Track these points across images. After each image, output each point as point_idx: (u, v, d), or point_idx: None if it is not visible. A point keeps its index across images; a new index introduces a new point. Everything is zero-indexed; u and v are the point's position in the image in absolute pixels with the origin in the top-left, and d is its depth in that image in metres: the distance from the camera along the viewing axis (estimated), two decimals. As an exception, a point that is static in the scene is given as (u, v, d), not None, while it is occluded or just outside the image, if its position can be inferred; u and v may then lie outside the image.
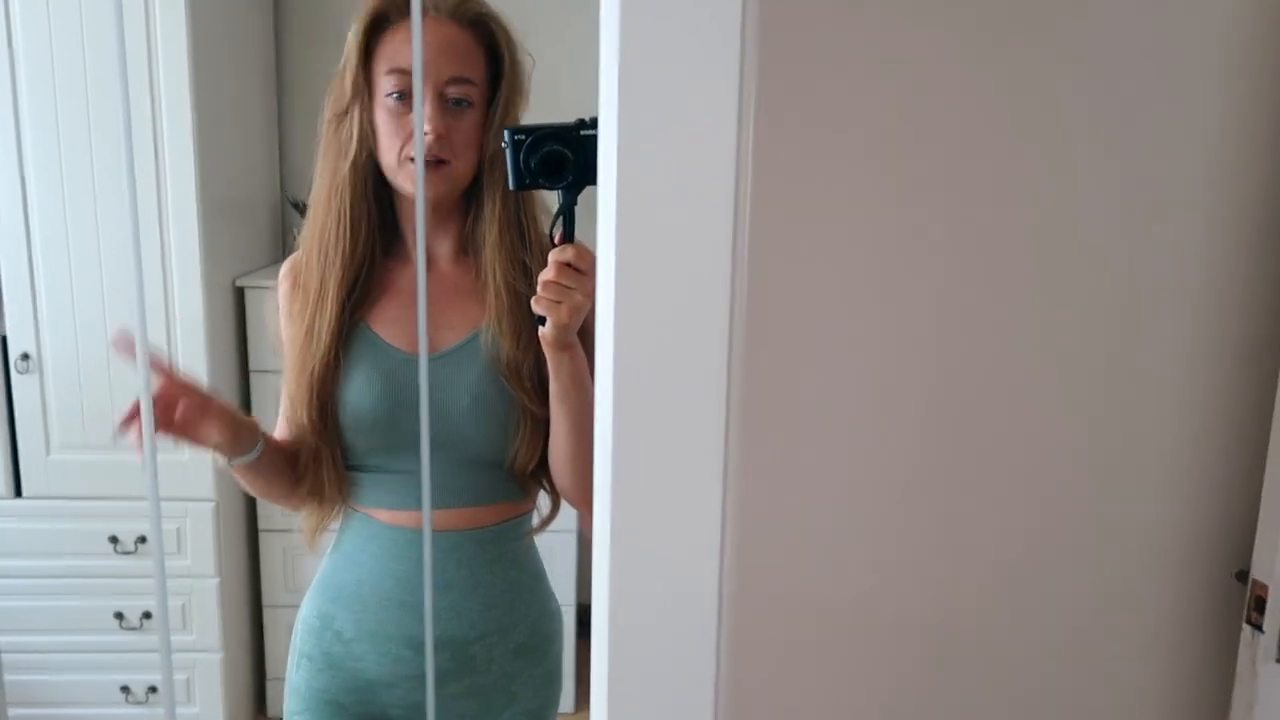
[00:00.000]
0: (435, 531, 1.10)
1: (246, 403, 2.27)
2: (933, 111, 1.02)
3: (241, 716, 2.35)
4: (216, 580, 2.19)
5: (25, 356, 2.06)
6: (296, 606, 2.35)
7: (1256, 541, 1.13)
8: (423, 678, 1.11)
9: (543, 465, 1.10)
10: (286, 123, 2.52)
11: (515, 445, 1.08)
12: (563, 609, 1.95)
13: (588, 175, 0.95)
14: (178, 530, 2.16)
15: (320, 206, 1.09)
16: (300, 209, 2.48)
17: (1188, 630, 1.24)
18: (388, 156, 1.06)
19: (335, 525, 1.17)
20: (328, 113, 1.08)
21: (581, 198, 0.97)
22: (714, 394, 0.62)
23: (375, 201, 1.09)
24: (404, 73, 1.03)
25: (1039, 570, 1.19)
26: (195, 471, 2.12)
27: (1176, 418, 1.17)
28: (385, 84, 1.04)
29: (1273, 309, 1.14)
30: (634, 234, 0.58)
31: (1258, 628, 1.13)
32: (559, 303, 0.94)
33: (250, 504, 2.33)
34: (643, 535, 0.64)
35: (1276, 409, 1.10)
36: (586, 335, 1.04)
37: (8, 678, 2.05)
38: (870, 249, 1.11)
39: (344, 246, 1.07)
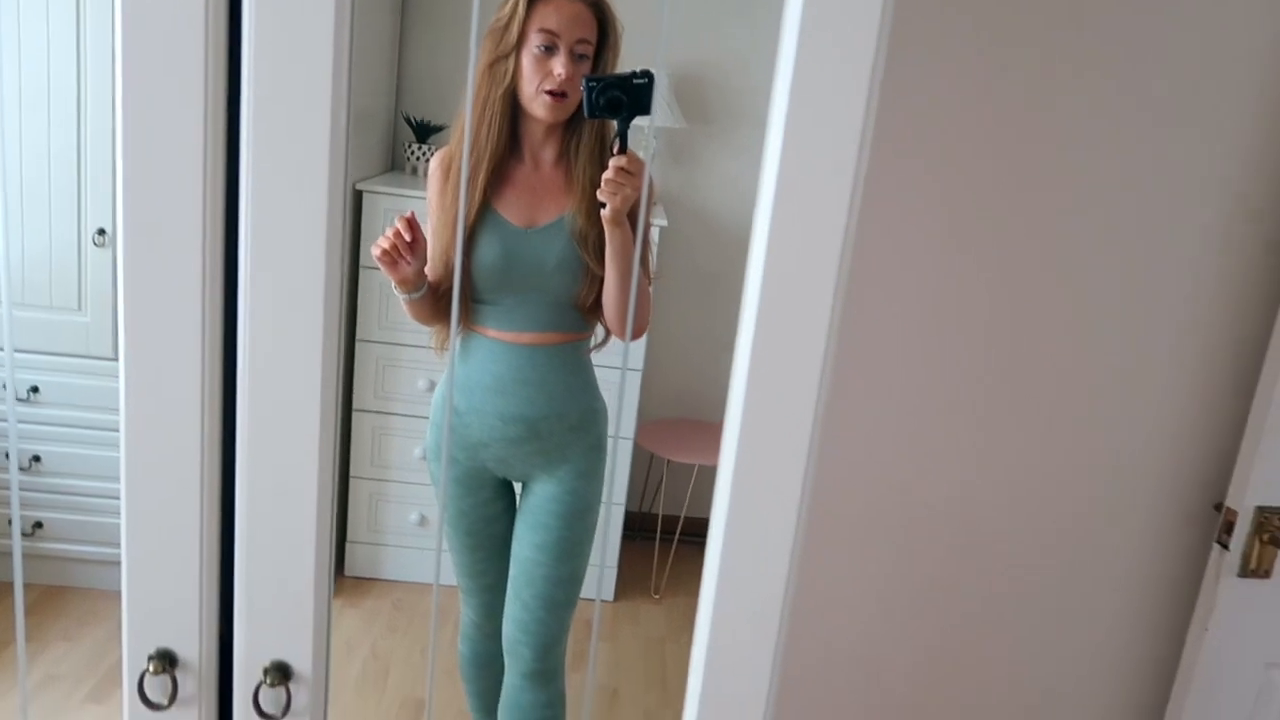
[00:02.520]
0: (519, 345, 1.61)
1: (354, 294, 2.54)
2: (989, 154, 1.25)
3: (325, 571, 2.66)
4: (316, 448, 2.47)
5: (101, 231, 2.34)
6: (380, 480, 2.66)
7: (1233, 476, 1.36)
8: (507, 440, 1.65)
9: (596, 305, 1.59)
10: (406, 48, 2.75)
11: (580, 289, 1.58)
12: (614, 509, 2.38)
13: (636, 110, 1.39)
14: (285, 401, 2.44)
15: (474, 120, 1.54)
16: (411, 124, 2.72)
17: (1169, 550, 1.48)
18: (528, 88, 1.51)
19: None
20: (487, 56, 1.52)
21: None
22: (820, 324, 0.86)
23: (512, 119, 1.55)
24: (551, 33, 1.47)
25: (1052, 483, 1.43)
26: (308, 350, 2.40)
27: (1174, 379, 1.39)
28: (535, 39, 1.48)
29: (1262, 277, 1.36)
30: (782, 224, 0.82)
31: (1225, 547, 1.36)
32: (615, 194, 1.41)
33: (348, 384, 2.61)
34: (761, 426, 0.88)
35: (1262, 377, 1.32)
36: (632, 220, 1.51)
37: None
38: (947, 232, 1.35)
39: (492, 150, 1.55)
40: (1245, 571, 1.36)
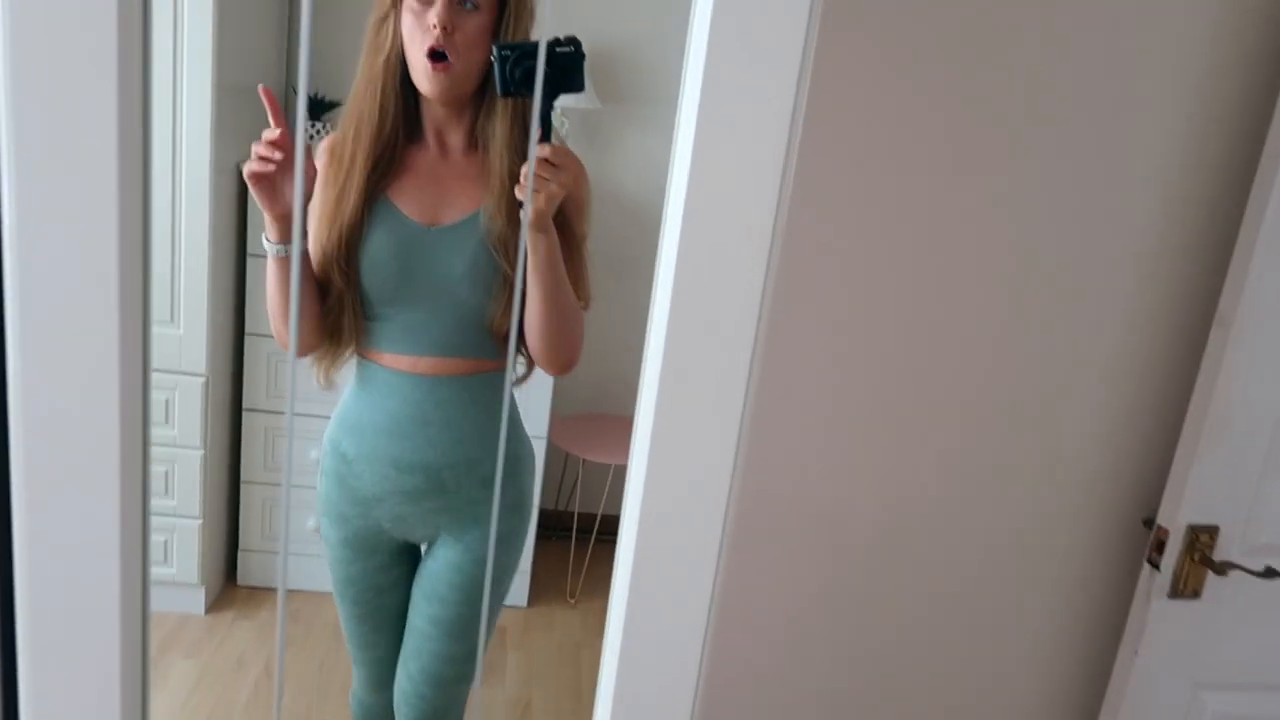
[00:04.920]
0: (419, 375, 1.31)
1: (242, 280, 2.35)
2: (918, 132, 1.15)
3: (214, 581, 2.49)
4: (201, 452, 2.29)
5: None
6: (275, 484, 2.48)
7: (1165, 492, 1.29)
8: (404, 493, 1.35)
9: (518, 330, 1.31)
10: (296, 19, 2.55)
11: (496, 308, 1.28)
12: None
13: (561, 86, 1.13)
14: (166, 401, 2.26)
15: (358, 95, 1.27)
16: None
17: (1097, 564, 1.42)
18: (413, 54, 1.21)
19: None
20: (372, 16, 1.24)
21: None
22: (744, 342, 0.74)
23: (403, 94, 1.26)
24: None
25: (978, 496, 1.35)
26: (189, 346, 2.21)
27: (1106, 387, 1.32)
28: None
29: (1197, 287, 1.29)
30: (699, 206, 0.70)
31: (1156, 566, 1.30)
32: (538, 191, 1.13)
33: (237, 383, 2.43)
34: (678, 433, 0.77)
35: (1197, 388, 1.25)
36: (565, 225, 1.24)
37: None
38: (867, 237, 1.24)
39: (374, 129, 1.26)
40: (1176, 592, 1.30)
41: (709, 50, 0.69)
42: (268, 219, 1.21)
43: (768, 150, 0.72)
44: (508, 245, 1.25)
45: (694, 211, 0.73)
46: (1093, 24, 1.19)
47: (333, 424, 1.40)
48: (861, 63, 1.17)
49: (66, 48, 0.58)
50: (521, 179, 1.13)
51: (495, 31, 1.21)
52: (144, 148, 0.59)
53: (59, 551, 0.67)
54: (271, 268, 1.26)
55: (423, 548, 1.48)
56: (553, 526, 2.88)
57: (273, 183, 1.17)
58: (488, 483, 1.37)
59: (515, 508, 1.42)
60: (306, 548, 2.50)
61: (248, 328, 2.39)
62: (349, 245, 1.26)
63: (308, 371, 2.39)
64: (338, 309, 1.29)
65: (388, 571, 1.44)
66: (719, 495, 0.81)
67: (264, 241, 1.24)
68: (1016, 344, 1.30)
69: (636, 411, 0.83)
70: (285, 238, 1.22)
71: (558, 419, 2.71)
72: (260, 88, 1.13)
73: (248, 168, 1.16)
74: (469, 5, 1.19)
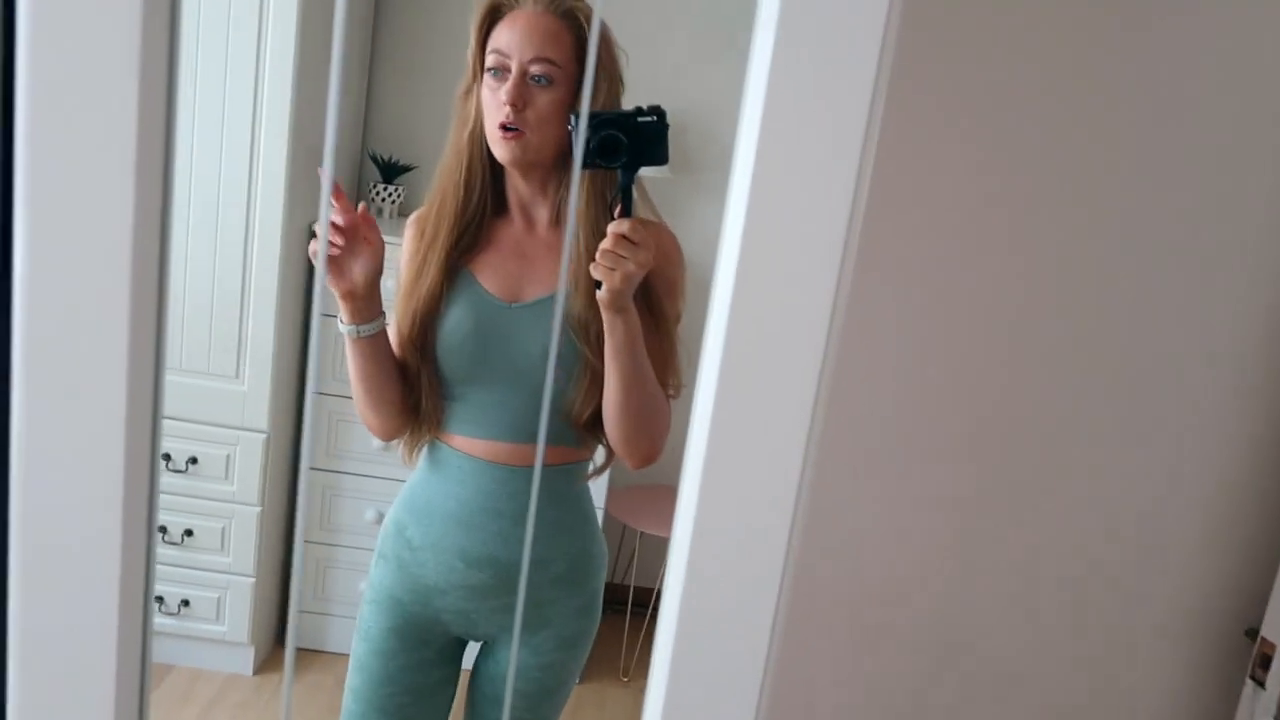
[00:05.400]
0: (492, 463, 1.24)
1: (305, 341, 2.37)
2: (1002, 163, 1.09)
3: (264, 642, 2.46)
4: (258, 509, 2.28)
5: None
6: (329, 544, 2.46)
7: (1270, 602, 1.18)
8: (470, 588, 1.27)
9: (597, 418, 1.22)
10: (375, 83, 2.60)
11: (575, 394, 1.21)
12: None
13: (642, 157, 1.07)
14: (227, 456, 2.26)
15: (446, 168, 1.24)
16: (378, 162, 2.56)
17: (1194, 677, 1.29)
18: (487, 128, 1.18)
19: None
20: (459, 88, 1.23)
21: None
22: (804, 404, 0.68)
23: (490, 167, 1.22)
24: (500, 53, 1.16)
25: (1059, 598, 1.25)
26: (252, 403, 2.22)
27: (1203, 483, 1.22)
28: (488, 61, 1.17)
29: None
30: (756, 243, 0.64)
31: (1260, 684, 1.17)
32: (613, 269, 1.06)
33: (296, 442, 2.43)
34: (724, 512, 0.70)
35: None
36: (653, 305, 1.19)
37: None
38: (937, 306, 1.17)
39: (459, 202, 1.22)
40: (1287, 713, 1.17)
41: (765, 112, 0.64)
42: (336, 297, 1.18)
43: (829, 215, 0.66)
44: (588, 327, 1.18)
45: (746, 281, 0.68)
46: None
47: (398, 506, 1.33)
48: (931, 101, 1.12)
49: (88, 66, 0.55)
50: (597, 257, 1.06)
51: (574, 105, 1.16)
52: (165, 197, 0.56)
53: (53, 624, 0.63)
54: (350, 351, 1.21)
55: (474, 643, 1.39)
56: (607, 600, 2.78)
57: (337, 261, 1.14)
58: (561, 582, 1.29)
59: (585, 611, 1.34)
60: (353, 610, 2.46)
61: (311, 385, 2.39)
62: (426, 318, 1.22)
63: (362, 432, 2.38)
64: (418, 389, 1.24)
65: (430, 671, 1.34)
66: (773, 573, 0.74)
67: (339, 324, 1.20)
68: (1112, 439, 1.21)
69: (681, 481, 0.77)
70: (355, 318, 1.18)
71: (615, 490, 2.65)
72: (320, 171, 1.11)
73: (311, 245, 1.13)
74: (542, 80, 1.14)
